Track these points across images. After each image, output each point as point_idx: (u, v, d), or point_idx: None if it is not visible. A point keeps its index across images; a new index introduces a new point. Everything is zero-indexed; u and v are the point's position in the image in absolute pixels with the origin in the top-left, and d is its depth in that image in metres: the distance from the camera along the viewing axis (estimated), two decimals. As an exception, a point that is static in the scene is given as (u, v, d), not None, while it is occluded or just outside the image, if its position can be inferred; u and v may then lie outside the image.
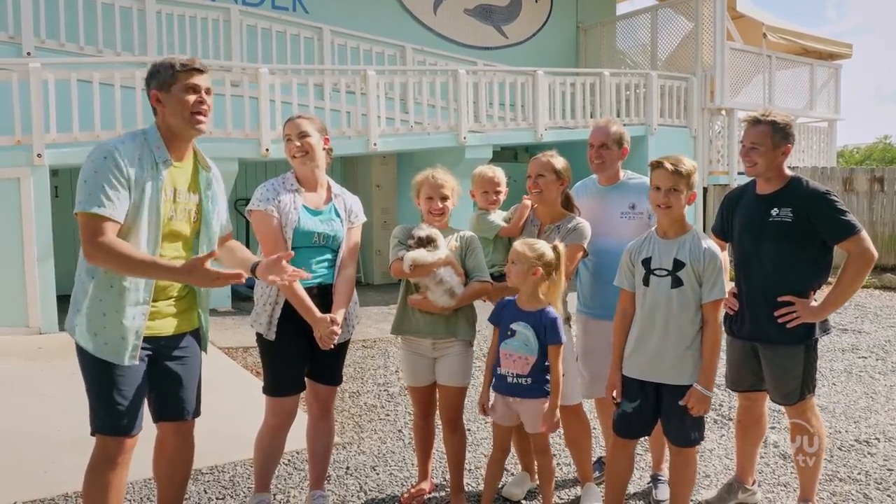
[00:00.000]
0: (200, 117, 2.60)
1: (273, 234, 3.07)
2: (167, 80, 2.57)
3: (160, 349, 2.68)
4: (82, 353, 2.58)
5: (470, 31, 13.18)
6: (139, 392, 2.61)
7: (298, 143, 3.13)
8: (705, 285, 2.94)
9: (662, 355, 2.99)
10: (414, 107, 9.78)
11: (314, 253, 3.16)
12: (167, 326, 2.69)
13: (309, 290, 3.10)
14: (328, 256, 3.20)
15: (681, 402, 2.95)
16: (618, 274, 3.18)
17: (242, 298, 9.24)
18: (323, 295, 3.15)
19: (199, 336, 2.86)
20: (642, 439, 3.40)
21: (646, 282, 3.04)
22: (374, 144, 9.22)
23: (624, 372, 3.12)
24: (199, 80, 2.60)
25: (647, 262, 3.04)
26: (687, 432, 2.99)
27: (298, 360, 3.19)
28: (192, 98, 2.57)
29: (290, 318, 3.10)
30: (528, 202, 3.57)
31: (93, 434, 2.61)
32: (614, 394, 3.15)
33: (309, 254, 3.14)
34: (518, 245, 3.13)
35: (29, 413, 4.76)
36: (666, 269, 2.98)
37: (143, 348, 2.60)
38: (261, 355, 3.25)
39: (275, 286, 3.06)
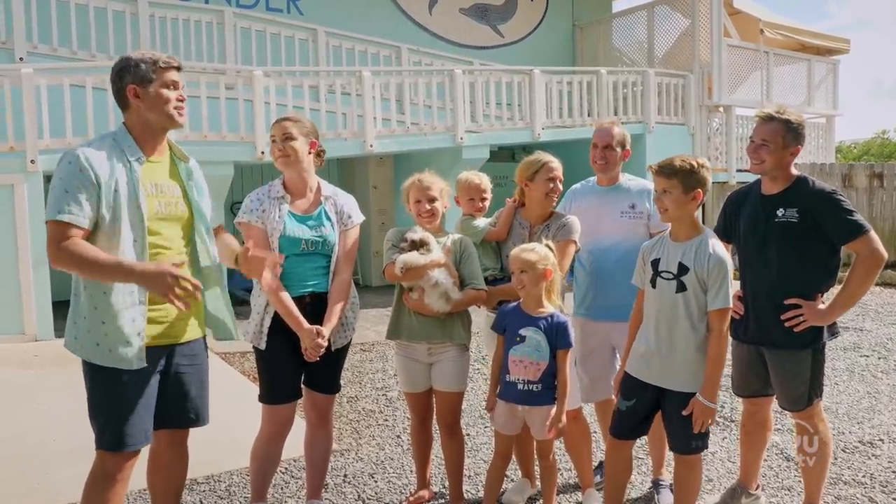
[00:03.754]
0: (180, 112, 2.65)
1: (259, 245, 3.01)
2: (147, 76, 2.56)
3: (173, 356, 2.64)
4: (89, 367, 2.52)
5: (465, 31, 13.13)
6: (148, 402, 2.56)
7: (281, 147, 3.09)
8: (710, 292, 2.84)
9: (665, 359, 2.93)
10: (410, 108, 9.71)
11: (304, 260, 3.09)
12: (179, 332, 2.65)
13: (300, 298, 3.05)
14: (321, 263, 3.13)
15: (683, 413, 2.87)
16: (635, 272, 3.14)
17: (241, 303, 9.14)
18: (316, 303, 3.09)
19: (205, 342, 2.82)
20: (643, 443, 3.35)
21: (653, 283, 2.98)
22: (371, 146, 9.16)
23: (626, 369, 3.08)
24: (178, 78, 2.64)
25: (655, 264, 2.98)
26: (688, 440, 2.92)
27: (292, 368, 3.13)
28: (172, 94, 2.60)
29: (281, 327, 3.05)
30: (512, 204, 3.55)
31: (98, 449, 2.54)
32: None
33: (299, 261, 3.08)
34: (521, 254, 3.08)
35: (23, 423, 4.70)
36: (672, 273, 2.91)
37: (156, 357, 2.55)
38: (256, 363, 3.20)
39: (264, 295, 3.03)
